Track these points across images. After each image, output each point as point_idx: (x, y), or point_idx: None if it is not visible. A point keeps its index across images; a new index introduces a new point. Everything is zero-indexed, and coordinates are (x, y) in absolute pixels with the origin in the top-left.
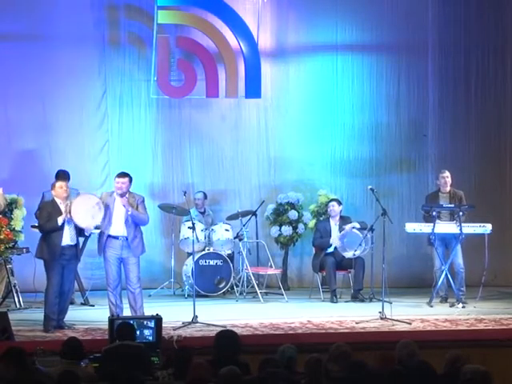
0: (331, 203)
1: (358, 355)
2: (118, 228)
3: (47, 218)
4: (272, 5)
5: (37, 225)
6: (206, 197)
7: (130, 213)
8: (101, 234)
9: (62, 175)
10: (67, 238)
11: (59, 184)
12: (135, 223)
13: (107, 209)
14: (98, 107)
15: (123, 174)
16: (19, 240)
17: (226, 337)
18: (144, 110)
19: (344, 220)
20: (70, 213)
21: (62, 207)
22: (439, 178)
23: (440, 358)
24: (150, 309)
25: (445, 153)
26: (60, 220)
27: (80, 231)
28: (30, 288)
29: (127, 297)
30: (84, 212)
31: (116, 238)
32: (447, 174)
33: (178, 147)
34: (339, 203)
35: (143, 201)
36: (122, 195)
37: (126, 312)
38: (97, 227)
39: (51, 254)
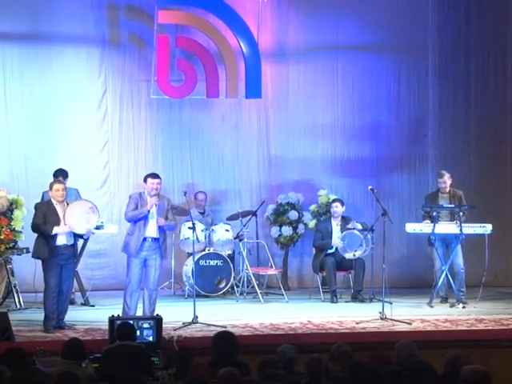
0: (334, 203)
1: (359, 355)
2: (151, 229)
3: (42, 219)
4: (272, 5)
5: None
6: (206, 197)
7: (160, 224)
8: (134, 236)
9: (60, 174)
10: (62, 237)
11: (56, 187)
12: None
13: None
14: (98, 107)
15: (156, 175)
16: (19, 240)
17: (224, 338)
18: (144, 110)
19: (345, 220)
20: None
21: (58, 208)
22: (438, 182)
23: (440, 358)
24: None
25: (445, 153)
26: (55, 231)
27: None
28: (30, 288)
29: (143, 295)
30: (78, 219)
31: (145, 239)
32: (445, 178)
33: (178, 147)
34: (342, 204)
35: (172, 206)
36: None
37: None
38: (97, 227)
39: (47, 254)
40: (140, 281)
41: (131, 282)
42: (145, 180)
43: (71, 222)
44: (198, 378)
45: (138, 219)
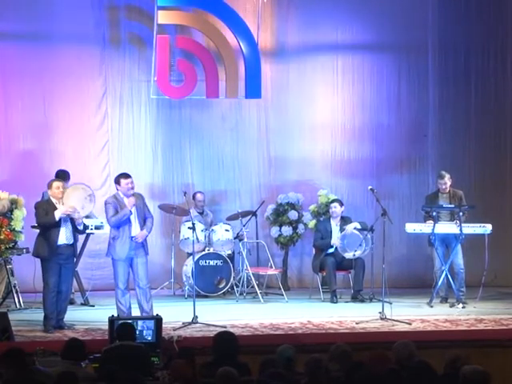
0: (333, 204)
1: (358, 355)
2: (135, 230)
3: (45, 215)
4: (272, 5)
5: (36, 224)
6: (204, 197)
7: (142, 239)
8: (121, 239)
9: (62, 175)
10: (63, 237)
11: (56, 184)
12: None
13: (120, 210)
14: (98, 107)
15: (128, 175)
16: (19, 240)
17: (224, 338)
18: (144, 110)
19: (345, 220)
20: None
21: (59, 206)
22: (438, 183)
23: (440, 358)
24: None
25: (445, 153)
26: (57, 214)
27: (76, 229)
28: (30, 288)
29: (136, 296)
30: (74, 202)
31: (131, 239)
32: (445, 179)
33: (178, 147)
34: (341, 204)
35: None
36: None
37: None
38: (97, 227)
39: (48, 252)
40: (128, 279)
41: (120, 282)
42: (117, 181)
43: (70, 202)
44: (180, 377)
45: (122, 222)
